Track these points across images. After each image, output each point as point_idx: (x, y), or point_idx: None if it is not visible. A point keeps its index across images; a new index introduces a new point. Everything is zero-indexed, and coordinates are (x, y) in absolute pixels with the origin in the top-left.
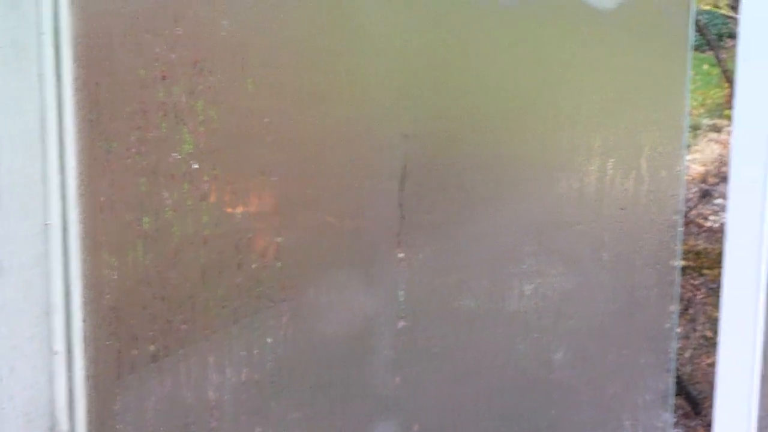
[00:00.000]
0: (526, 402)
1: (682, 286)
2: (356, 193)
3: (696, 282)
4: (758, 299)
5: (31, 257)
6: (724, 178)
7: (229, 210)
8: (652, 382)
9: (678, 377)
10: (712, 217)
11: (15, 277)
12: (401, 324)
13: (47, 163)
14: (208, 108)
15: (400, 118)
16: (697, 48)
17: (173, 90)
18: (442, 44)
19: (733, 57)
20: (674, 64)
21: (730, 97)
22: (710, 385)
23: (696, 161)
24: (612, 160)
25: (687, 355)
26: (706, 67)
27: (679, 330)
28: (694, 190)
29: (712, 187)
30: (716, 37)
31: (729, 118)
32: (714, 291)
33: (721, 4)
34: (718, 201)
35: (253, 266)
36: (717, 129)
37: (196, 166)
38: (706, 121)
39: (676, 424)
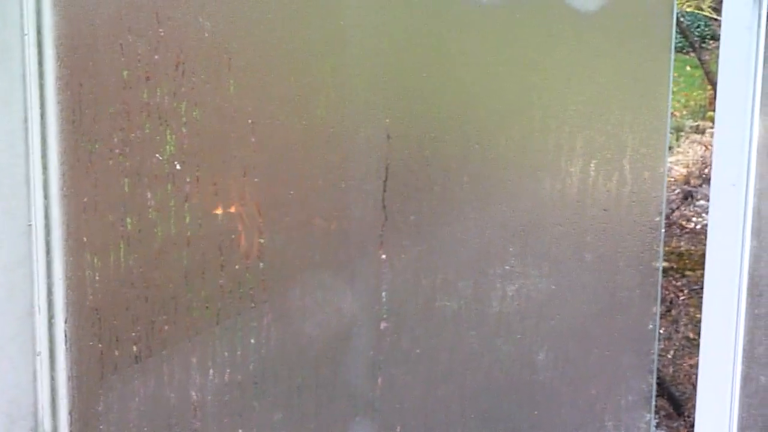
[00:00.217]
0: (508, 403)
1: (665, 288)
2: (339, 194)
3: (678, 283)
4: (740, 300)
5: (14, 258)
6: (706, 180)
7: (212, 211)
8: (635, 383)
9: (660, 378)
10: (694, 219)
11: None
12: (383, 325)
13: (30, 164)
14: (191, 109)
15: (383, 119)
16: (680, 50)
17: (156, 91)
18: (425, 45)
19: (715, 59)
20: (657, 65)
21: (713, 99)
22: (692, 386)
23: (679, 163)
24: (594, 161)
25: (669, 356)
26: (689, 68)
27: (661, 331)
28: (676, 191)
29: (694, 188)
30: (699, 39)
31: (712, 120)
32: (696, 292)
33: (704, 6)
34: (701, 202)
35: (236, 267)
36: (700, 131)
37: (179, 167)
38: (689, 123)
39: (658, 425)
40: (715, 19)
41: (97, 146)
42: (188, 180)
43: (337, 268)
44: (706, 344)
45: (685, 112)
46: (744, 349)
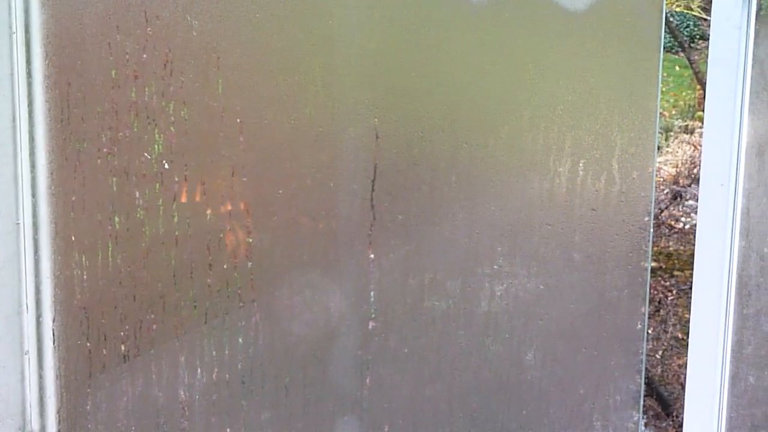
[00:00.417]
0: (497, 402)
1: (654, 288)
2: (327, 193)
3: (667, 283)
4: (728, 300)
5: (1, 256)
6: (695, 180)
7: (201, 210)
8: (623, 383)
9: (649, 378)
10: (683, 219)
11: None
12: (371, 324)
13: (18, 162)
14: (179, 108)
15: (372, 118)
16: (669, 50)
17: (144, 90)
18: (414, 45)
19: (704, 59)
20: (646, 65)
21: (702, 98)
22: (681, 385)
23: (668, 163)
24: (583, 161)
25: (658, 355)
26: (678, 68)
27: (649, 331)
28: (665, 191)
29: (683, 188)
30: (688, 39)
31: (701, 119)
32: (685, 292)
33: (693, 6)
34: (690, 202)
35: (224, 266)
36: (689, 131)
37: (167, 166)
38: (678, 123)
39: (646, 425)
40: (705, 19)
41: (85, 145)
42: (176, 179)
43: (325, 267)
44: (695, 344)
45: (674, 112)
46: (732, 349)
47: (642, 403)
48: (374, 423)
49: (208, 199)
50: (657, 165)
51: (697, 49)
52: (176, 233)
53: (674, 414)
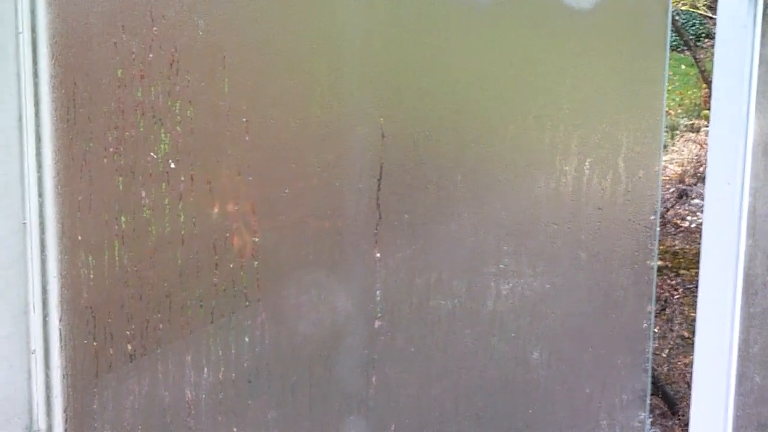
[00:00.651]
0: (503, 401)
1: (659, 286)
2: (333, 193)
3: (673, 282)
4: (735, 299)
5: (8, 256)
6: (701, 179)
7: (207, 209)
8: (629, 382)
9: (655, 377)
10: (689, 218)
11: None
12: (377, 323)
13: (25, 162)
14: (185, 108)
15: (377, 117)
16: (675, 48)
17: (150, 89)
18: (420, 44)
19: (710, 57)
20: (651, 64)
21: (708, 97)
22: (687, 384)
23: (674, 161)
24: (589, 160)
25: (664, 354)
26: (683, 67)
27: (655, 330)
28: (671, 190)
29: (689, 187)
30: (694, 38)
31: (707, 118)
32: (691, 291)
33: (699, 5)
34: (696, 201)
35: (230, 265)
36: (695, 129)
37: (173, 165)
38: (683, 122)
39: (653, 424)
40: (710, 18)
41: (91, 144)
42: (182, 178)
43: (331, 266)
44: (701, 343)
45: (679, 111)
46: (739, 348)
47: (648, 401)
48: (380, 422)
49: (214, 198)
50: (663, 164)
51: (702, 47)
52: (182, 232)
53: (680, 413)
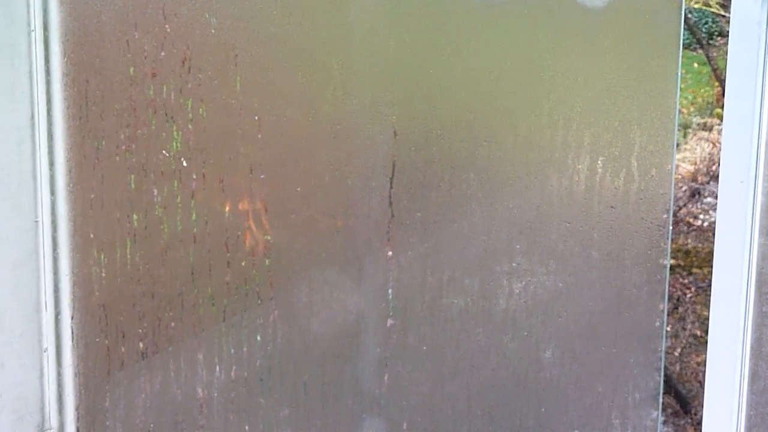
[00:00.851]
0: (515, 400)
1: (672, 285)
2: (345, 191)
3: (685, 281)
4: (747, 298)
5: (20, 254)
6: (714, 177)
7: (219, 207)
8: (642, 381)
9: (667, 376)
10: (702, 216)
11: (4, 274)
12: (390, 322)
13: (37, 160)
14: (197, 105)
15: (390, 115)
16: (688, 46)
17: (163, 87)
18: (432, 42)
19: (723, 55)
20: (664, 62)
21: (721, 95)
22: (699, 383)
23: (686, 160)
24: (602, 158)
25: (676, 353)
26: (696, 65)
27: (668, 329)
28: (684, 188)
29: (702, 185)
30: (706, 36)
31: (719, 116)
32: (703, 290)
33: (712, 3)
34: (708, 200)
35: (243, 264)
36: (707, 128)
37: (185, 163)
38: (696, 120)
39: (665, 423)
40: (723, 16)
41: (103, 143)
42: (194, 176)
43: (343, 265)
44: (714, 342)
45: (692, 109)
46: (752, 347)
47: (661, 400)
48: (393, 420)
49: (226, 196)
50: (676, 162)
51: (715, 45)
52: (194, 230)
53: (693, 411)
